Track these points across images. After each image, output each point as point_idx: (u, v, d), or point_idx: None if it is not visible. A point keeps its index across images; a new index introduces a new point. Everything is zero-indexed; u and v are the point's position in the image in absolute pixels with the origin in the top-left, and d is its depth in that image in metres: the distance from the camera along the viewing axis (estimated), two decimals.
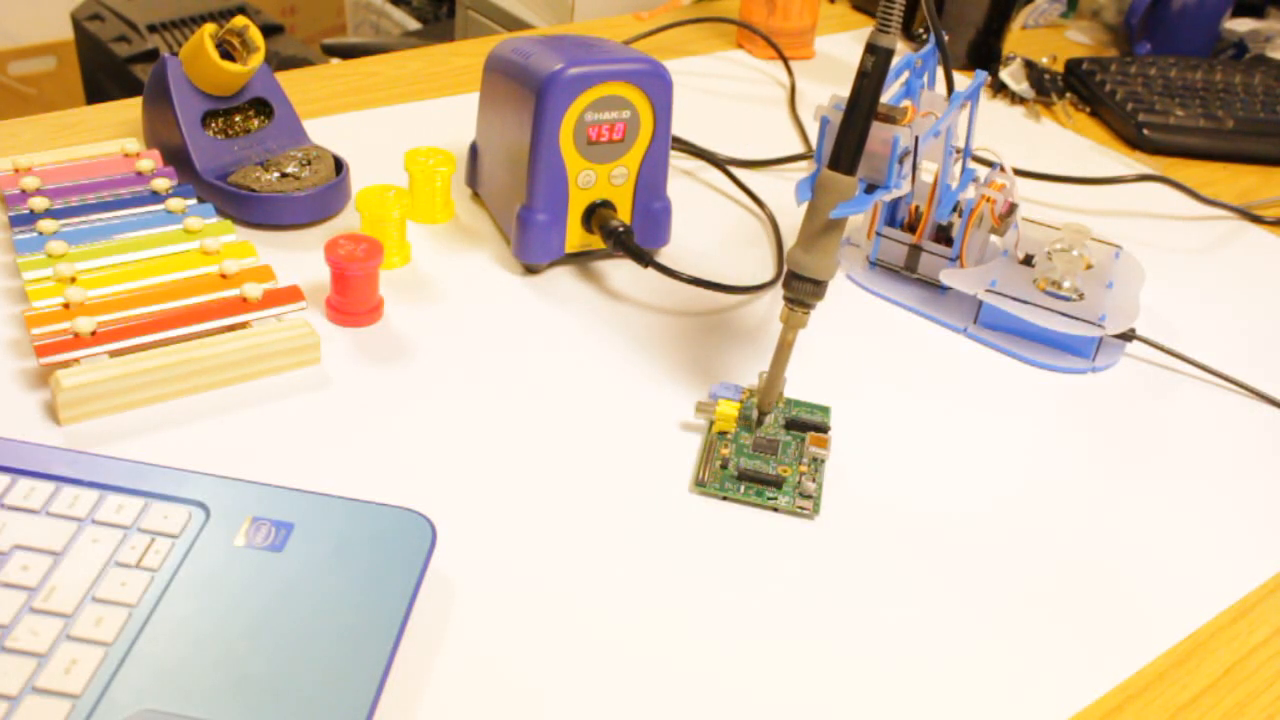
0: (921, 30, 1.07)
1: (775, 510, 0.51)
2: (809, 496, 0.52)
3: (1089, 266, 0.67)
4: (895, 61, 0.61)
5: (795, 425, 0.56)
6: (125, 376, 0.52)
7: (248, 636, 0.40)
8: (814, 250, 0.52)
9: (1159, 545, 0.52)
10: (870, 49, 0.50)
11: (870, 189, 0.55)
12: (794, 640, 0.45)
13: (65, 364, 0.52)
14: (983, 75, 0.65)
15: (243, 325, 0.56)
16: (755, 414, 0.56)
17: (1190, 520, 0.54)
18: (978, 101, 0.66)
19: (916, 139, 0.56)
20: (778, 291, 0.68)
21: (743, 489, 0.52)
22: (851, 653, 0.45)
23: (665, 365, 0.60)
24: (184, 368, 0.53)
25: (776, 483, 0.52)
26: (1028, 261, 0.68)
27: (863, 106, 0.51)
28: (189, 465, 0.50)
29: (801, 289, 0.53)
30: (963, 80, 1.03)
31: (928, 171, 0.69)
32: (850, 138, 0.51)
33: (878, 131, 0.54)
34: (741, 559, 0.49)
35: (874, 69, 0.51)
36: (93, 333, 0.52)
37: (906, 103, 0.60)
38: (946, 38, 0.99)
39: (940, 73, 0.65)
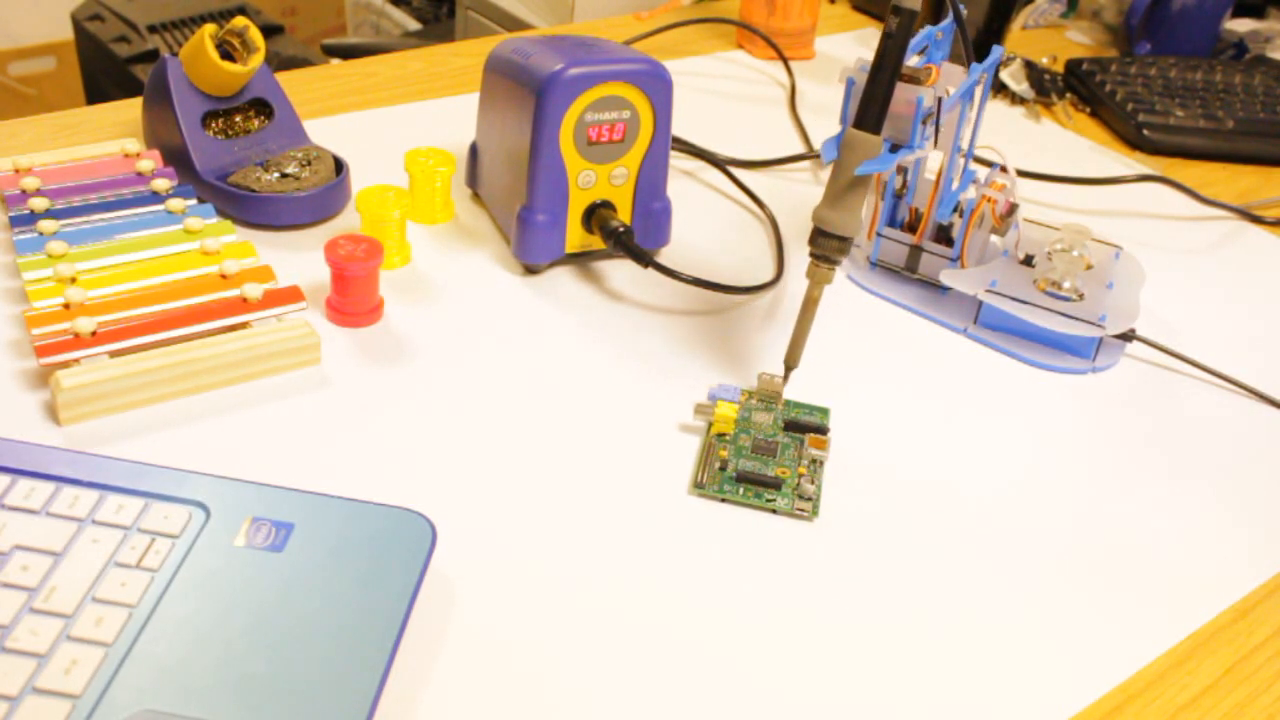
0: None
1: (774, 512, 0.51)
2: (808, 498, 0.52)
3: (1089, 267, 0.67)
4: (915, 36, 0.61)
5: (794, 426, 0.56)
6: (125, 377, 0.52)
7: (248, 636, 0.40)
8: (839, 207, 0.53)
9: (1159, 545, 0.52)
10: (895, 10, 0.51)
11: (894, 148, 0.56)
12: (793, 642, 0.45)
13: (65, 364, 0.52)
14: (1000, 50, 0.65)
15: (243, 325, 0.56)
16: (782, 371, 0.57)
17: (1190, 520, 0.54)
18: (993, 78, 0.66)
19: (939, 100, 0.56)
20: (778, 291, 0.68)
21: (741, 491, 0.52)
22: (850, 654, 0.45)
23: (665, 366, 0.60)
24: (184, 368, 0.53)
25: (775, 484, 0.52)
26: (1028, 262, 0.68)
27: (888, 66, 0.52)
28: (189, 465, 0.50)
29: (827, 245, 0.54)
30: None
31: (930, 171, 0.69)
32: (875, 97, 0.52)
33: (902, 92, 0.55)
34: (740, 561, 0.49)
35: (899, 29, 0.52)
36: (93, 333, 0.52)
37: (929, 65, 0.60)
38: (965, 10, 0.98)
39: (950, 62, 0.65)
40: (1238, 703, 0.46)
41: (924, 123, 0.56)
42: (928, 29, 0.63)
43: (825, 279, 0.55)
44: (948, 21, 0.64)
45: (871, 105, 0.53)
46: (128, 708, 0.37)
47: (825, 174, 0.82)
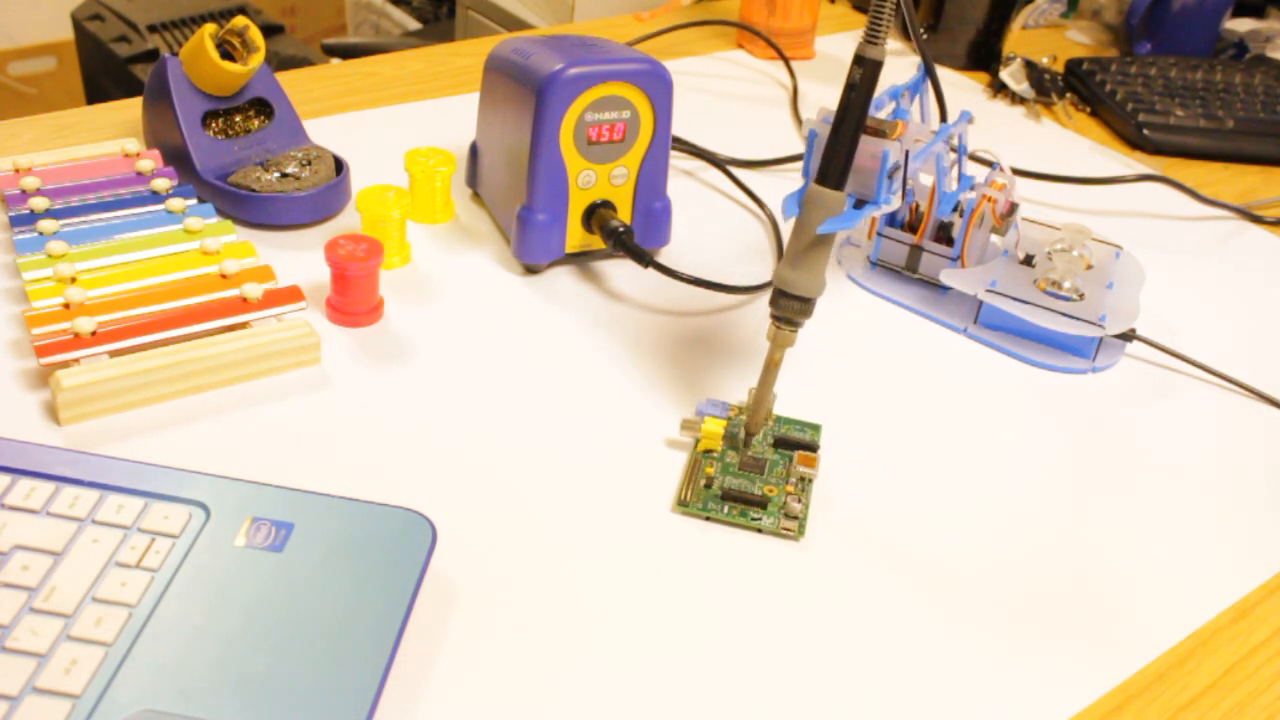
0: (922, 29, 1.06)
1: (759, 531, 0.50)
2: (794, 517, 0.50)
3: (1089, 267, 0.67)
4: (881, 91, 0.60)
5: (784, 444, 0.54)
6: (125, 376, 0.51)
7: (248, 636, 0.40)
8: (801, 267, 0.51)
9: (1159, 545, 0.52)
10: (858, 60, 0.49)
11: (859, 204, 0.54)
12: (775, 666, 0.45)
13: (65, 364, 0.52)
14: (967, 114, 0.65)
15: (243, 325, 0.56)
16: (743, 434, 0.54)
17: (1190, 520, 0.54)
18: (964, 147, 0.67)
19: (907, 153, 0.55)
20: None
21: (726, 509, 0.50)
22: (839, 672, 0.45)
23: (665, 367, 0.60)
24: (184, 368, 0.53)
25: (761, 503, 0.51)
26: (1028, 261, 0.68)
27: (851, 120, 0.49)
28: (189, 465, 0.50)
29: (789, 307, 0.51)
30: (964, 81, 1.03)
31: (929, 173, 0.69)
32: (839, 152, 0.50)
33: (867, 146, 0.53)
34: (723, 581, 0.48)
35: (862, 81, 0.49)
36: (93, 333, 0.52)
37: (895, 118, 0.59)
38: (961, 19, 0.98)
39: (929, 105, 0.65)
40: (1238, 702, 0.46)
41: (890, 176, 0.53)
42: (893, 87, 0.63)
43: (787, 342, 0.52)
44: (916, 79, 0.64)
45: (834, 160, 0.49)
46: (128, 708, 0.37)
47: None
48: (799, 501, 0.51)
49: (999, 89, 1.01)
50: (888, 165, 0.53)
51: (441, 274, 0.65)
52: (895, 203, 0.55)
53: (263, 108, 0.71)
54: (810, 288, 0.51)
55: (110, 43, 1.67)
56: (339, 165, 0.70)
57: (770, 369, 0.53)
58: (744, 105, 0.92)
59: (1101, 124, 0.98)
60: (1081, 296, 0.64)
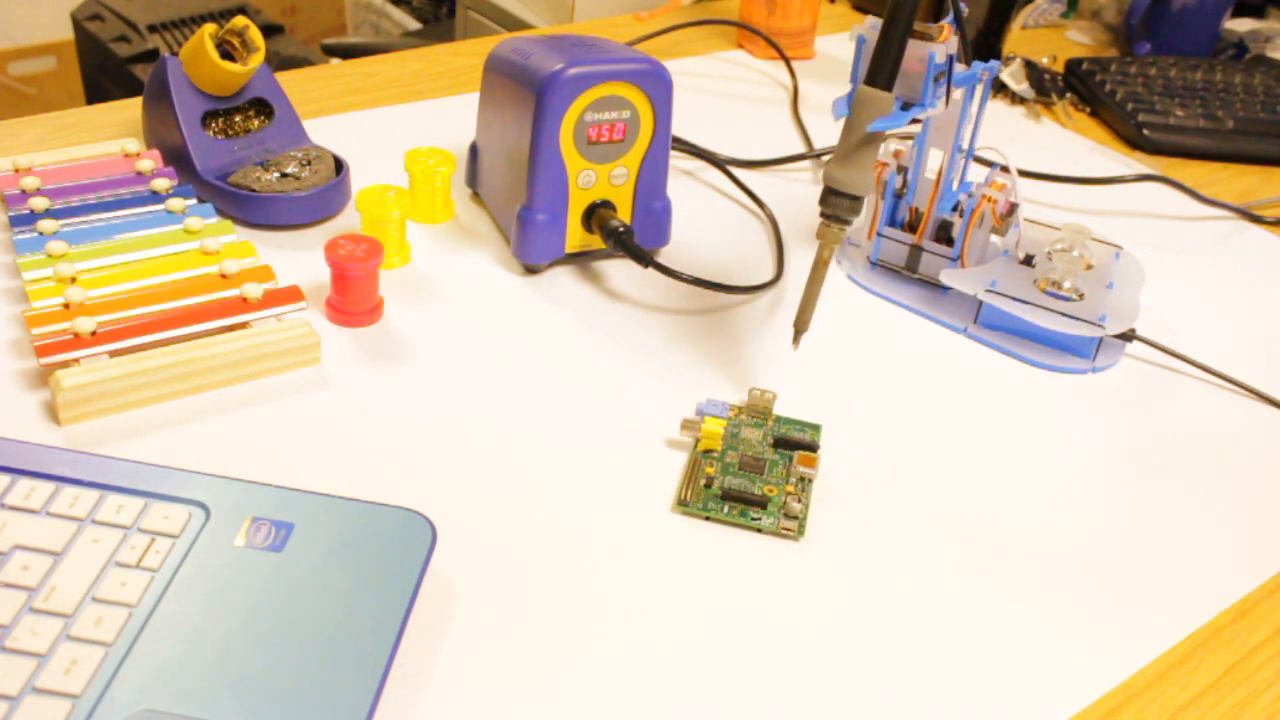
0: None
1: (759, 531, 0.50)
2: (794, 517, 0.50)
3: (1089, 267, 0.67)
4: None
5: (784, 444, 0.54)
6: (125, 376, 0.52)
7: (247, 636, 0.40)
8: (849, 165, 0.53)
9: (1159, 545, 0.52)
10: None
11: (906, 106, 0.56)
12: (775, 666, 0.45)
13: (65, 364, 0.52)
14: (996, 64, 0.65)
15: (243, 325, 0.56)
16: (793, 334, 0.57)
17: (1190, 520, 0.54)
18: (989, 90, 0.66)
19: (951, 58, 0.56)
20: (778, 291, 0.68)
21: (726, 509, 0.50)
22: (836, 678, 0.45)
23: (664, 367, 0.60)
24: (184, 368, 0.53)
25: (761, 503, 0.51)
26: (1028, 261, 0.68)
27: (900, 21, 0.52)
28: (189, 465, 0.50)
29: (838, 204, 0.54)
30: None
31: (930, 170, 0.69)
32: (888, 53, 0.52)
33: (913, 49, 0.54)
34: (722, 581, 0.48)
35: None
36: (93, 333, 0.52)
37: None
38: (965, 9, 0.98)
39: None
40: (1238, 702, 0.46)
41: (936, 80, 0.55)
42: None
43: (836, 239, 0.55)
44: (946, 20, 0.64)
45: (883, 62, 0.52)
46: (128, 707, 0.37)
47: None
48: (799, 501, 0.51)
49: (999, 89, 1.01)
50: (934, 67, 0.55)
51: (441, 274, 0.65)
52: (940, 107, 0.57)
53: (263, 108, 0.71)
54: (858, 185, 0.54)
55: (110, 43, 1.67)
56: (339, 165, 0.70)
57: (819, 266, 0.55)
58: (744, 105, 0.92)
59: (1101, 124, 0.98)
60: (1081, 296, 0.64)
